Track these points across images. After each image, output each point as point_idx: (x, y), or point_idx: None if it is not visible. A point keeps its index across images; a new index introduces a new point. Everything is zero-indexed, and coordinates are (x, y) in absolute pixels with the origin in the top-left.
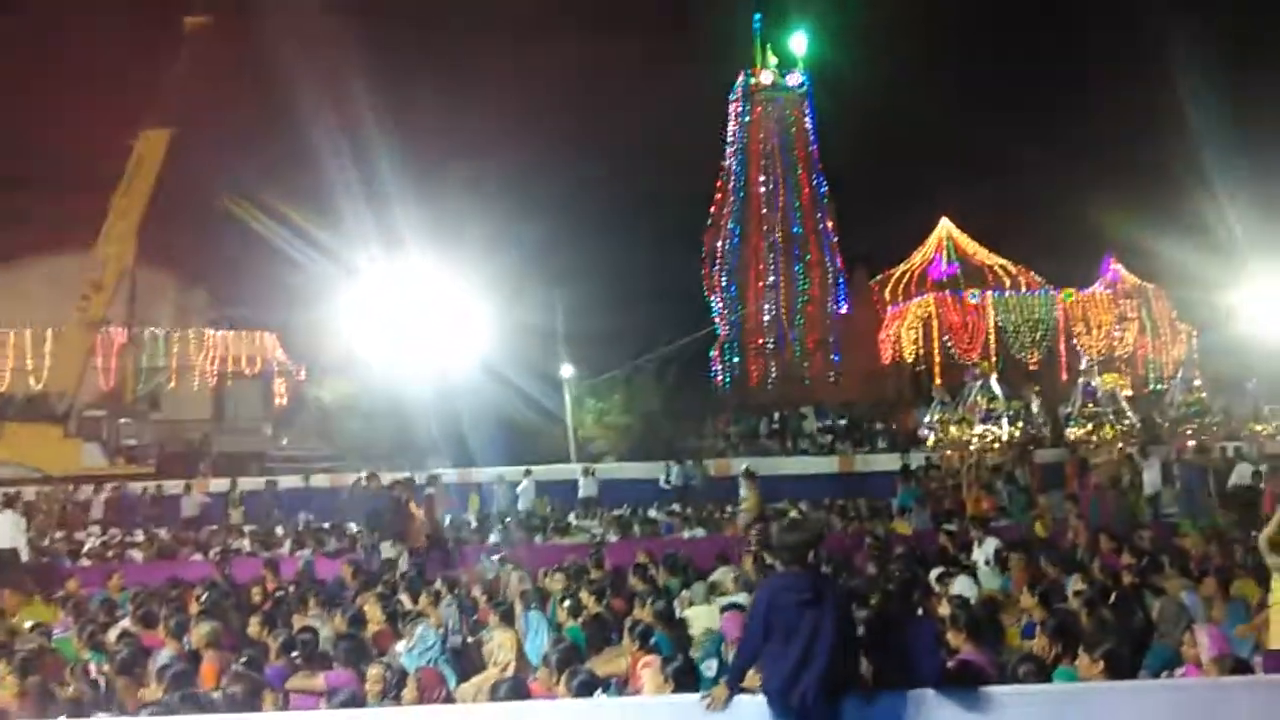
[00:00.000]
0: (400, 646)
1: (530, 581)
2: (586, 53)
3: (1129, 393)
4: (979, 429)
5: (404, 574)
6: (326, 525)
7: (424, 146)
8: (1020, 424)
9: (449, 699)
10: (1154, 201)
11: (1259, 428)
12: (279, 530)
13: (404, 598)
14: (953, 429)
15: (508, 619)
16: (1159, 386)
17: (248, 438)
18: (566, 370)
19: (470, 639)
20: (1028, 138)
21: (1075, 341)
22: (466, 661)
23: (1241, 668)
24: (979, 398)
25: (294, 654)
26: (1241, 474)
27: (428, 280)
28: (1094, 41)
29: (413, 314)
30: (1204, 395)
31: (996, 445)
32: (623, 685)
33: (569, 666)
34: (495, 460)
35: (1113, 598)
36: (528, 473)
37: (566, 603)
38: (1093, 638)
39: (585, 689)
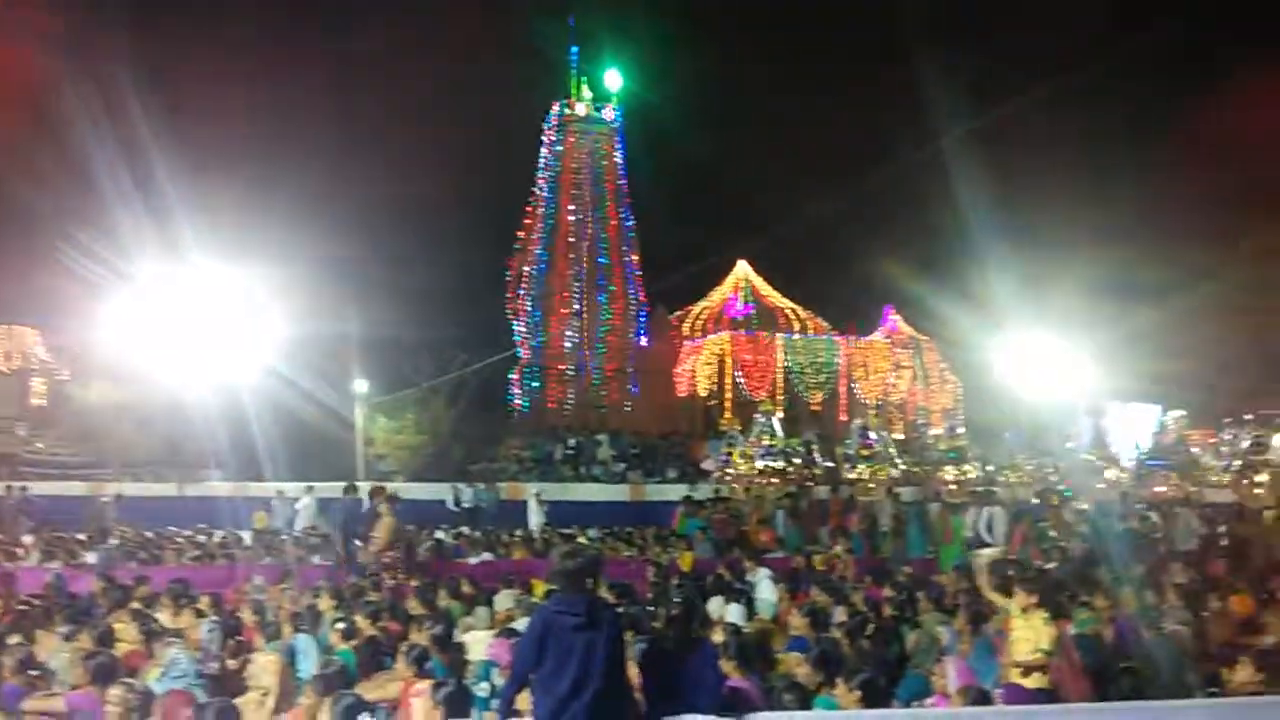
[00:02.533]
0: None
1: (302, 602)
2: (402, 64)
3: (900, 436)
4: (760, 464)
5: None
6: (81, 536)
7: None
8: (797, 461)
9: None
10: (931, 260)
11: (1013, 476)
12: (28, 539)
13: (162, 615)
14: (739, 463)
15: (274, 641)
16: (927, 432)
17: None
18: (360, 385)
19: (232, 661)
20: (822, 189)
21: (855, 385)
22: (226, 686)
23: (983, 699)
24: (762, 434)
25: (32, 672)
26: (995, 516)
27: (212, 285)
28: (889, 105)
29: (195, 319)
30: (964, 443)
31: (775, 480)
32: (393, 711)
33: (335, 691)
34: (279, 474)
35: (872, 629)
36: (309, 489)
37: (339, 625)
38: (851, 666)
39: (351, 714)
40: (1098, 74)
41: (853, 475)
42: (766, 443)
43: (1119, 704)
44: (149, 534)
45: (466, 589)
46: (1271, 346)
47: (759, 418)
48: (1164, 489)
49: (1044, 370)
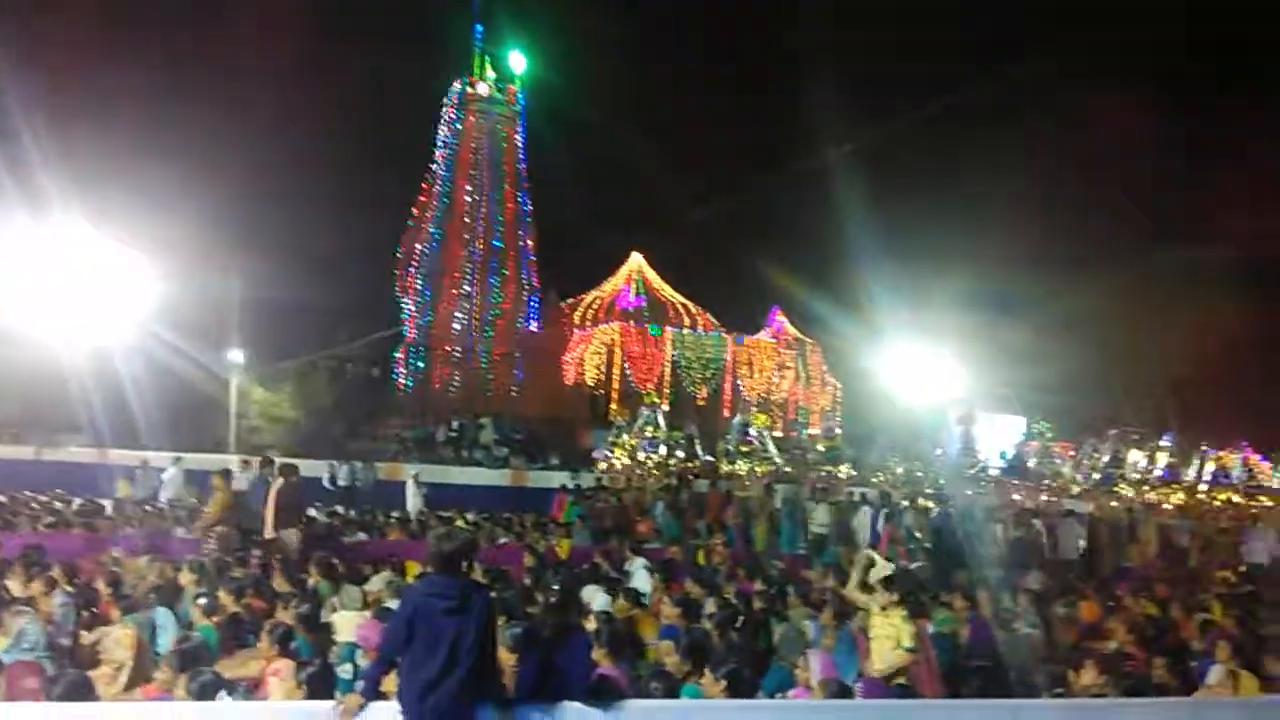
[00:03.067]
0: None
1: (163, 576)
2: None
3: (779, 434)
4: (642, 455)
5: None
6: None
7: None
8: (679, 453)
9: (47, 695)
10: (818, 266)
11: (885, 478)
12: None
13: (10, 584)
14: (622, 453)
15: (130, 614)
16: (805, 431)
17: None
18: (237, 354)
19: (86, 634)
20: (719, 188)
21: (740, 382)
22: (79, 659)
23: (844, 692)
24: (646, 426)
25: None
26: (864, 516)
27: (79, 242)
28: (787, 111)
29: (59, 277)
30: (839, 443)
31: (657, 471)
32: (253, 689)
33: (193, 667)
34: (146, 442)
35: (741, 621)
36: (177, 459)
37: (201, 600)
38: (719, 657)
39: (208, 692)
40: (978, 95)
41: (729, 470)
42: (650, 434)
43: (971, 701)
44: (2, 498)
45: (338, 568)
46: (1129, 366)
47: (644, 409)
48: (1019, 497)
49: (918, 377)
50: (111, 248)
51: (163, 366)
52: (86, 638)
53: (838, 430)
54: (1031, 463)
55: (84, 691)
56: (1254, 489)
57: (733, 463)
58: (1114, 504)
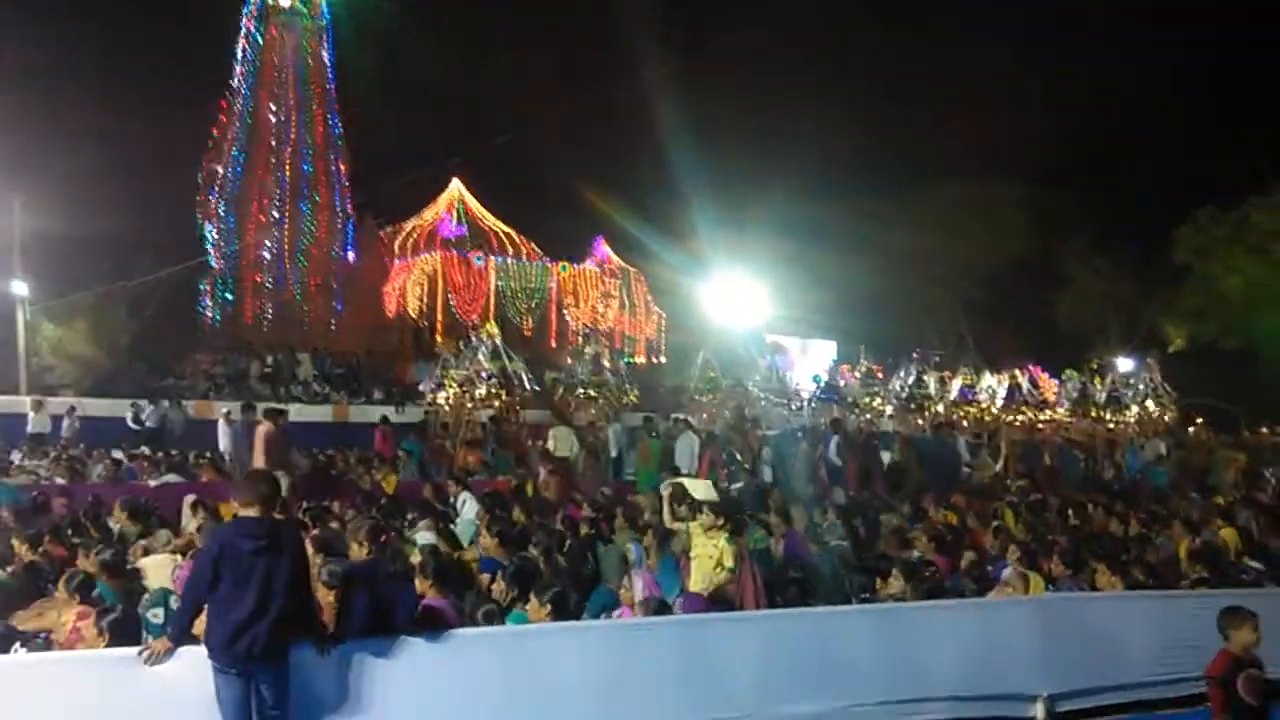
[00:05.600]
0: None
1: None
2: None
3: (606, 364)
4: (480, 389)
5: None
6: None
7: None
8: (514, 386)
9: None
10: (641, 194)
11: (702, 399)
12: None
13: None
14: (454, 387)
15: None
16: (629, 360)
17: None
18: (20, 287)
19: None
20: (540, 115)
21: (565, 312)
22: None
23: (664, 609)
24: (481, 358)
25: None
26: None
27: None
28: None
29: None
30: (715, 375)
31: (497, 404)
32: (51, 641)
33: None
34: None
35: (568, 546)
36: None
37: None
38: (544, 583)
39: (3, 644)
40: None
41: (578, 399)
42: (486, 366)
43: (786, 610)
44: None
45: (144, 511)
46: (930, 290)
47: (479, 339)
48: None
49: (736, 304)
50: None
51: None
52: None
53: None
54: (842, 384)
55: None
56: (1041, 404)
57: (580, 392)
58: (919, 422)
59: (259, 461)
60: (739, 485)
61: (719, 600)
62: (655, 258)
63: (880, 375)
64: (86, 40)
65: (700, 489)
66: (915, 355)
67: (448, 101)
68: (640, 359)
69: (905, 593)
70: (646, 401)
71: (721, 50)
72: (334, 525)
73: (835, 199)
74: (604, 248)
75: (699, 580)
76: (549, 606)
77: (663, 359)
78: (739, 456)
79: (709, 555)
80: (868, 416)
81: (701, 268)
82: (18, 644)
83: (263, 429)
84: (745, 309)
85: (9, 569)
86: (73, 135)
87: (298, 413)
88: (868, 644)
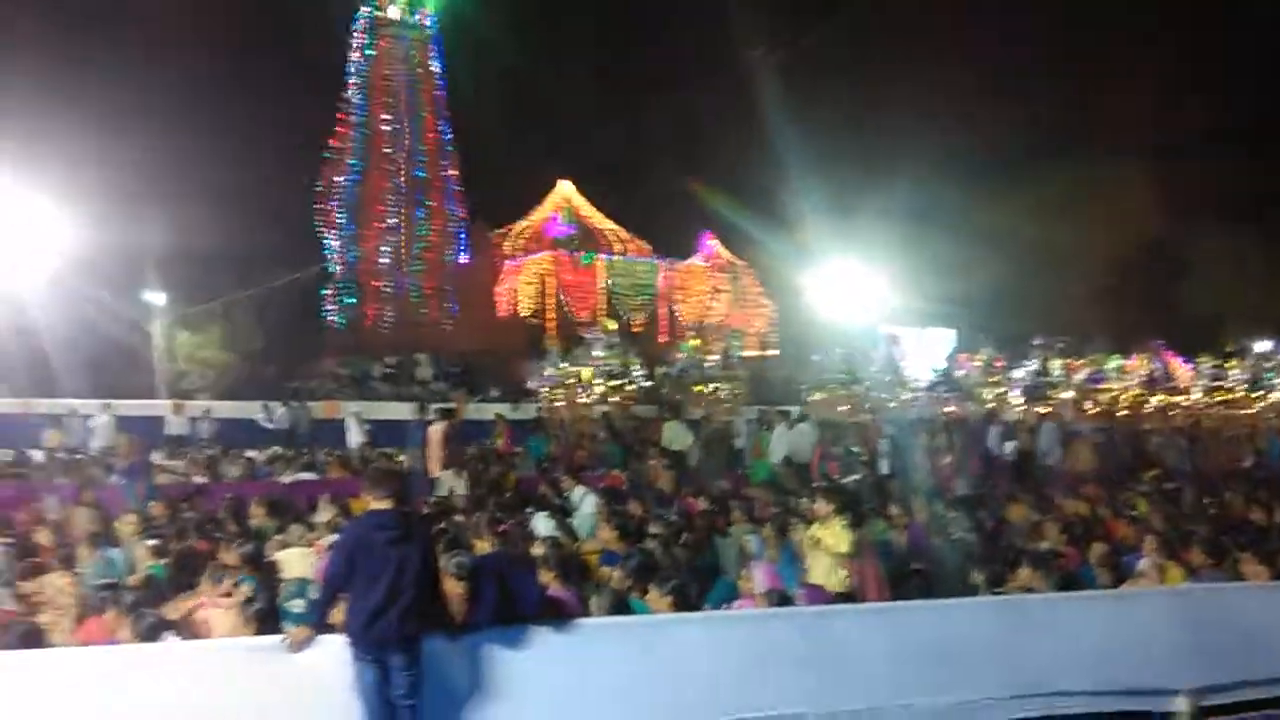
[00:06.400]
0: None
1: (101, 523)
2: None
3: (716, 358)
4: (598, 384)
5: None
6: None
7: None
8: (633, 380)
9: None
10: (747, 186)
11: (818, 395)
12: None
13: None
14: (571, 382)
15: (69, 562)
16: (739, 354)
17: None
18: (157, 296)
19: (27, 583)
20: (644, 113)
21: (674, 308)
22: (23, 607)
23: (786, 601)
24: (599, 353)
25: None
26: (803, 435)
27: None
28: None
29: None
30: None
31: (614, 399)
32: (199, 630)
33: (137, 610)
34: (70, 391)
35: (685, 538)
36: (107, 406)
37: (150, 542)
38: (664, 574)
39: (154, 633)
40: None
41: (703, 393)
42: (605, 362)
43: (911, 602)
44: None
45: (282, 507)
46: (1054, 275)
47: (595, 335)
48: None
49: (849, 294)
50: (24, 197)
51: (83, 314)
52: (27, 586)
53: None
54: (962, 374)
55: (35, 639)
56: (1173, 390)
57: (698, 387)
58: (1044, 411)
59: (435, 458)
60: (856, 477)
61: (841, 592)
62: (764, 250)
63: (1002, 364)
64: (211, 68)
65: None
66: (1039, 342)
67: (554, 103)
68: (751, 352)
69: (1035, 584)
70: (759, 395)
71: (830, 33)
72: (457, 519)
73: (954, 184)
74: (711, 242)
75: (819, 572)
76: (670, 598)
77: (774, 351)
78: (855, 449)
79: (828, 547)
80: (991, 405)
81: (813, 258)
82: (169, 632)
83: (436, 428)
84: (859, 298)
85: (163, 560)
86: (201, 154)
87: (414, 411)
88: (996, 636)
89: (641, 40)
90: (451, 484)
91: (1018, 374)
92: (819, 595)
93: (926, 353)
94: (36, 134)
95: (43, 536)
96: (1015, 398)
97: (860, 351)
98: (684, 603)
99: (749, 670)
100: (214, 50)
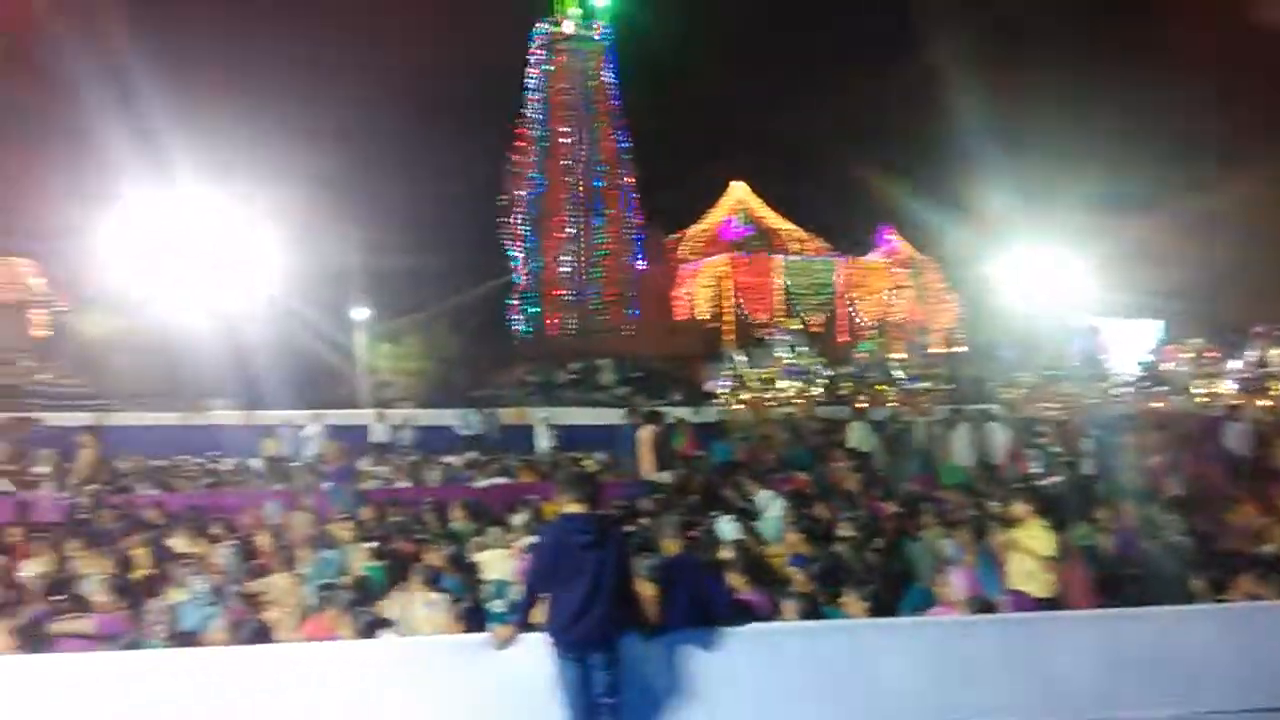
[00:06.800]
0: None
1: (317, 526)
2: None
3: (902, 356)
4: (783, 383)
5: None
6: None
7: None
8: (822, 380)
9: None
10: (929, 178)
11: (1011, 393)
12: (44, 469)
13: (177, 542)
14: (755, 383)
15: (290, 563)
16: (924, 352)
17: (2, 370)
18: (360, 312)
19: (252, 583)
20: (818, 108)
21: (854, 306)
22: (249, 606)
23: (988, 608)
24: (784, 353)
25: (59, 597)
26: (995, 435)
27: (208, 213)
28: (883, 22)
29: (190, 248)
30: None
31: (801, 399)
32: (410, 627)
33: (354, 608)
34: (283, 403)
35: (877, 543)
36: (317, 416)
37: (365, 545)
38: (858, 579)
39: (370, 630)
40: None
41: (894, 392)
42: (788, 362)
43: (1124, 610)
44: (160, 462)
45: (479, 511)
46: (1268, 262)
47: (780, 335)
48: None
49: (1042, 285)
50: (239, 221)
51: (293, 330)
52: (251, 586)
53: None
54: (1169, 367)
55: (264, 635)
56: None
57: (881, 386)
58: (1266, 404)
59: (645, 462)
60: (1057, 478)
61: (1046, 598)
62: (949, 243)
63: (1214, 356)
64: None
65: None
66: (1258, 331)
67: (727, 105)
68: (938, 349)
69: (1259, 592)
70: (949, 393)
71: (1018, 12)
72: (642, 521)
73: (1158, 167)
74: (891, 237)
75: (1019, 577)
76: (865, 604)
77: (962, 348)
78: (1055, 448)
79: (1029, 550)
80: (1203, 400)
81: (1001, 250)
82: (384, 629)
83: (645, 431)
84: (1054, 290)
85: (379, 562)
86: (396, 175)
87: (600, 416)
88: (1218, 646)
89: (813, 33)
90: (664, 486)
91: (1233, 365)
92: (1023, 601)
93: (1130, 345)
94: (248, 162)
95: (264, 540)
96: (1230, 390)
97: (1056, 346)
98: (879, 609)
99: (948, 678)
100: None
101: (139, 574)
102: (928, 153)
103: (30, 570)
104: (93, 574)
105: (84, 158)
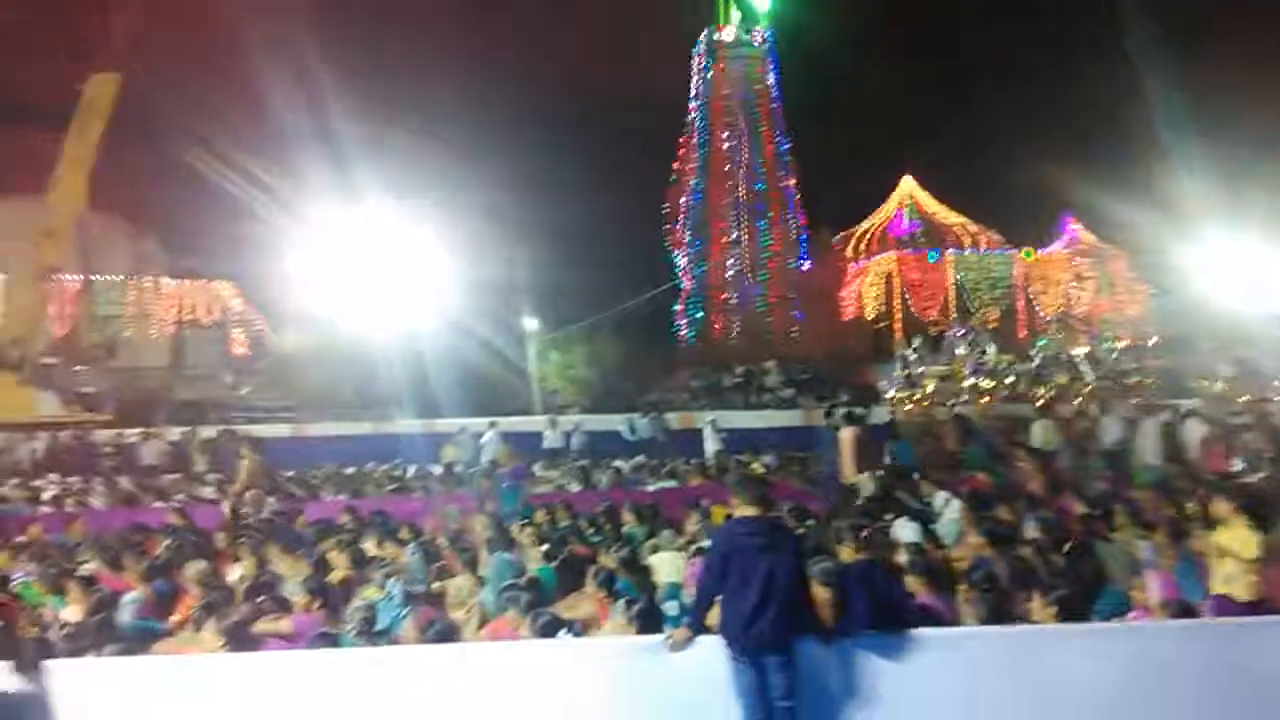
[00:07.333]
0: (369, 593)
1: (495, 529)
2: (549, 4)
3: (1086, 349)
4: (970, 381)
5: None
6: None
7: (382, 98)
8: (1010, 379)
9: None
10: (1114, 164)
11: (1208, 387)
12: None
13: (367, 545)
14: (936, 382)
15: (471, 565)
16: (1111, 345)
17: (207, 386)
18: (530, 323)
19: (436, 584)
20: (990, 98)
21: (1034, 300)
22: (434, 606)
23: (1188, 612)
24: (969, 351)
25: (259, 599)
26: (1191, 432)
27: (387, 231)
28: (1057, 5)
29: (372, 265)
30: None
31: (988, 398)
32: (586, 628)
33: (534, 609)
34: (459, 411)
35: (1066, 546)
36: (493, 424)
37: (542, 547)
38: (1045, 583)
39: (550, 630)
40: None
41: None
42: (977, 359)
43: None
44: (351, 470)
45: (650, 514)
46: None
47: (965, 334)
48: None
49: (1243, 275)
50: (417, 239)
51: (468, 342)
52: (436, 587)
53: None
54: None
55: (452, 635)
56: None
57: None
58: None
59: (848, 463)
60: (1261, 476)
61: (1251, 602)
62: (1137, 230)
63: None
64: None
65: None
66: None
67: (892, 100)
68: (1125, 343)
69: None
70: (1138, 387)
71: None
72: (811, 524)
73: None
74: (1074, 227)
75: (1219, 580)
76: (1054, 608)
77: (1153, 341)
78: (1257, 445)
79: (1231, 552)
80: None
81: (1197, 239)
82: (564, 630)
83: (847, 432)
84: (1257, 280)
85: (553, 563)
86: (563, 188)
87: (768, 419)
88: None
89: (980, 18)
90: (865, 488)
91: None
92: (1228, 606)
93: None
94: (424, 180)
95: (445, 543)
96: None
97: (1261, 338)
98: (1070, 614)
99: (1144, 687)
100: (570, 90)
101: (335, 576)
102: (1112, 134)
103: (234, 573)
104: (292, 576)
105: (278, 181)
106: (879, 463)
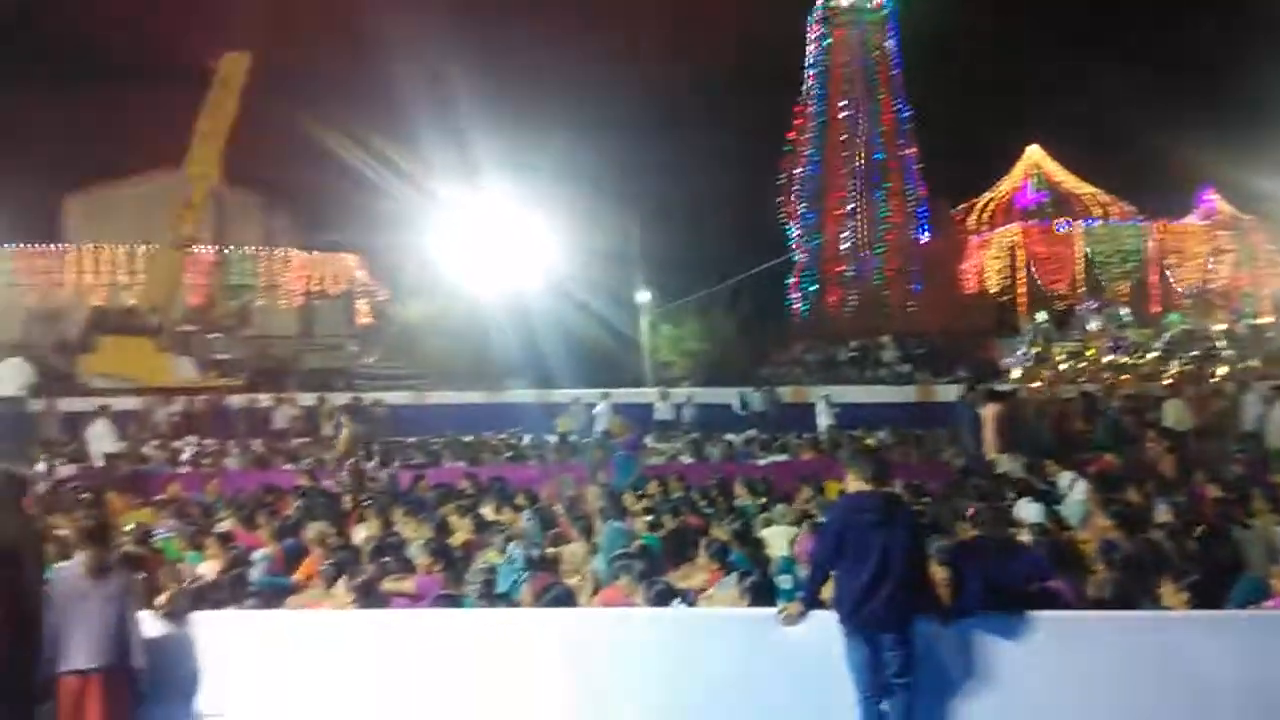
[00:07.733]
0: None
1: (608, 498)
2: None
3: (1223, 326)
4: (1109, 358)
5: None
6: (411, 440)
7: (504, 73)
8: (1152, 355)
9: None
10: (1255, 132)
11: None
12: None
13: (485, 510)
14: (1062, 358)
15: (585, 532)
16: (1252, 321)
17: (333, 355)
18: (642, 296)
19: (550, 549)
20: (1121, 65)
21: (1168, 274)
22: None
23: None
24: (1104, 325)
25: (384, 559)
26: None
27: (505, 205)
28: None
29: (490, 238)
30: None
31: (1126, 375)
32: (697, 598)
33: (648, 577)
34: (573, 382)
35: (1199, 530)
36: (605, 395)
37: (650, 517)
38: (1177, 568)
39: (663, 599)
40: None
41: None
42: (1116, 334)
43: None
44: (469, 438)
45: (762, 487)
46: None
47: (1098, 308)
48: None
49: None
50: (535, 214)
51: (582, 315)
52: (550, 553)
53: None
54: None
55: (569, 600)
56: None
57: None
58: None
59: (991, 441)
60: None
61: None
62: (1277, 202)
63: None
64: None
65: None
66: None
67: (1020, 65)
68: (1266, 318)
69: None
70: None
71: None
72: (927, 501)
73: None
74: (1212, 198)
75: None
76: (1187, 593)
77: None
78: None
79: None
80: None
81: None
82: (676, 599)
83: (990, 409)
84: None
85: (659, 533)
86: (675, 161)
87: (882, 394)
88: None
89: None
90: (1007, 466)
91: None
92: None
93: None
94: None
95: (560, 510)
96: None
97: None
98: (1203, 600)
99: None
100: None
101: (456, 539)
102: (1255, 98)
103: (361, 535)
104: (415, 539)
105: (404, 158)
106: (1021, 441)
